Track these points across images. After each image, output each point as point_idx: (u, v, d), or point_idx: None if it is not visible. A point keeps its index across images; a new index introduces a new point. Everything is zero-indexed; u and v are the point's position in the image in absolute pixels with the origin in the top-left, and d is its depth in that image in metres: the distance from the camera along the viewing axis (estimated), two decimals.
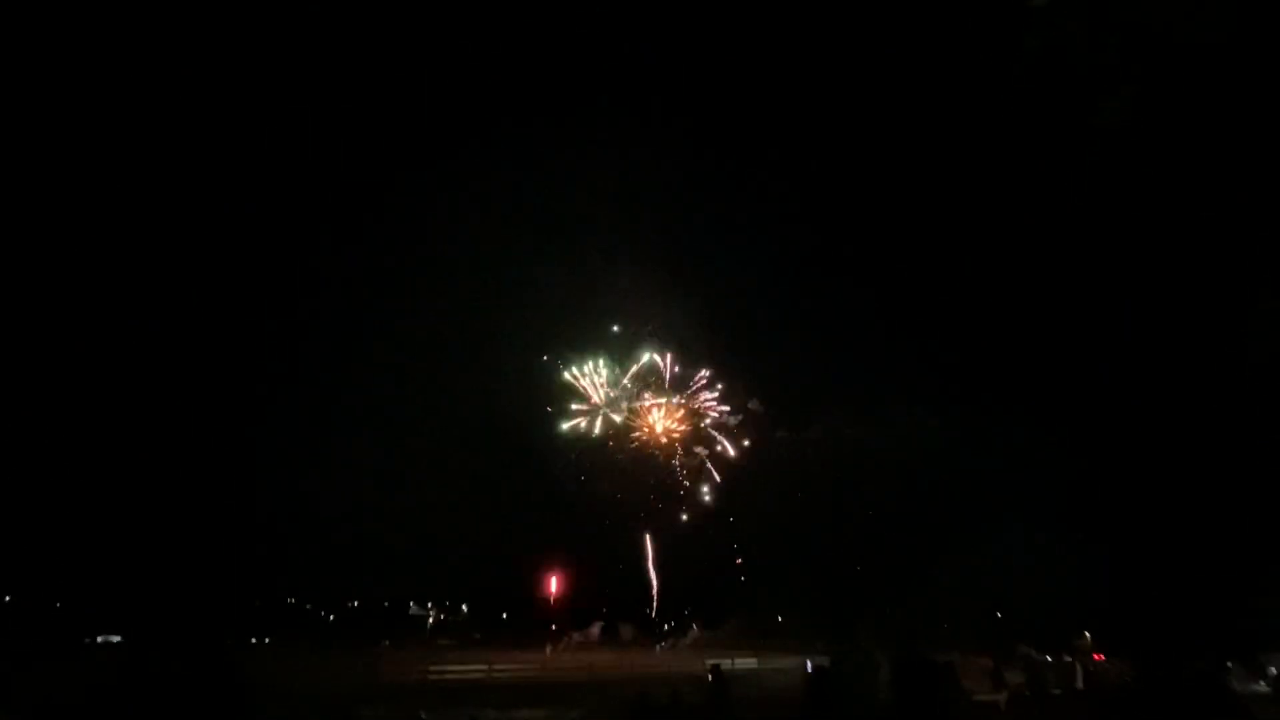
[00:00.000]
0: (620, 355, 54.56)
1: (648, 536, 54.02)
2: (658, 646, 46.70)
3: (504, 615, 61.36)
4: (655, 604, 54.73)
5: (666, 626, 52.85)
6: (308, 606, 58.08)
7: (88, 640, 37.25)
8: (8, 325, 42.14)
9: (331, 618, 58.01)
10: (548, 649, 42.84)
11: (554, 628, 51.39)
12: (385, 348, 52.51)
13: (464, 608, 65.61)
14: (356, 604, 59.56)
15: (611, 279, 52.30)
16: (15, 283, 41.94)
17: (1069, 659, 27.27)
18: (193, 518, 48.09)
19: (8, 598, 44.75)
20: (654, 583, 54.37)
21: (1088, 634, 39.92)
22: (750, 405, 53.73)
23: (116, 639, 39.73)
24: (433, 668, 21.73)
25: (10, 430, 41.90)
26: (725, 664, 14.56)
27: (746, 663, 28.52)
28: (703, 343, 53.37)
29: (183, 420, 49.74)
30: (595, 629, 49.88)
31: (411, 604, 64.41)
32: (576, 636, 48.00)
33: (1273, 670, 21.57)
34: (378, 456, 52.76)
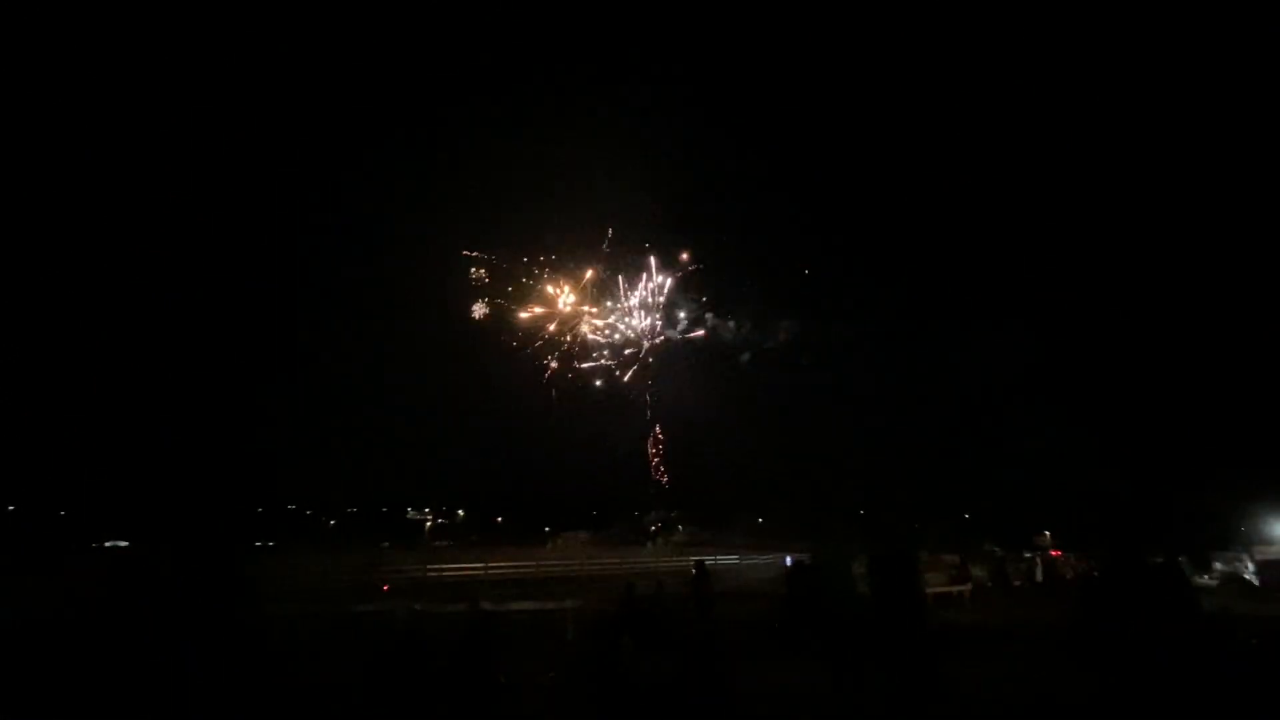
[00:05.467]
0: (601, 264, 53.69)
1: (644, 440, 55.49)
2: (646, 545, 49.04)
3: (499, 519, 63.92)
4: (644, 506, 56.95)
5: (654, 528, 55.33)
6: (308, 513, 60.05)
7: (94, 546, 38.44)
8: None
9: (332, 523, 60.19)
10: (546, 547, 44.84)
11: (547, 529, 53.77)
12: (378, 262, 51.77)
13: (460, 512, 68.14)
14: (355, 510, 61.60)
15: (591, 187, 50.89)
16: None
17: (1029, 555, 29.12)
18: (196, 429, 48.74)
19: (10, 507, 45.77)
20: (644, 485, 56.33)
21: (1047, 533, 42.47)
22: (712, 320, 53.80)
23: (124, 544, 41.09)
24: (430, 566, 22.63)
25: (14, 345, 41.53)
26: (708, 560, 15.34)
27: (728, 559, 30.12)
28: (691, 246, 52.65)
29: (185, 336, 49.51)
30: (583, 533, 52.12)
31: (409, 509, 66.71)
32: (568, 537, 50.25)
33: (1218, 566, 23.19)
34: (373, 369, 53.25)
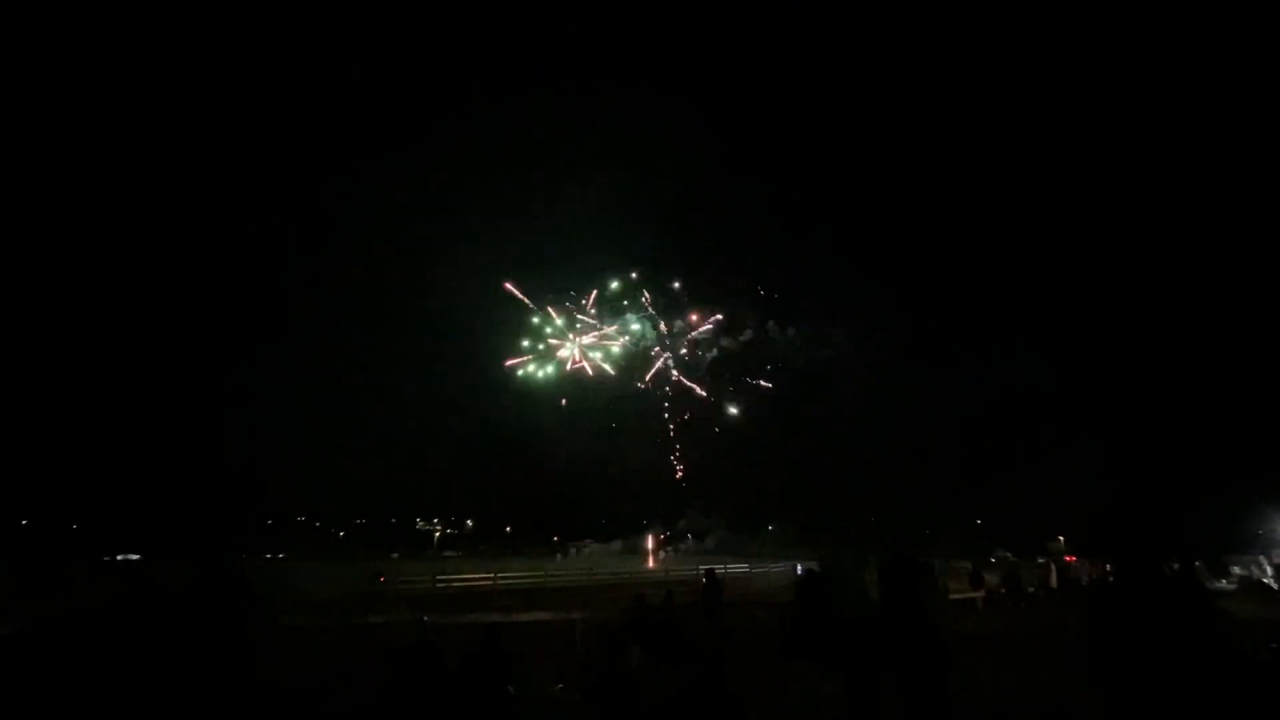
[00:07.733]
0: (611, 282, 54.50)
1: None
2: (660, 553, 48.74)
3: (508, 529, 63.73)
4: (653, 516, 56.62)
5: (663, 536, 55.00)
6: (317, 524, 60.17)
7: (106, 559, 38.62)
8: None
9: (341, 534, 60.26)
10: (555, 558, 44.69)
11: (556, 539, 53.61)
12: (396, 281, 52.83)
13: (469, 522, 68.03)
14: (364, 520, 61.65)
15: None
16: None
17: (1043, 560, 28.73)
18: (206, 442, 49.18)
19: (24, 521, 46.15)
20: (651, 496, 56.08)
21: (1061, 539, 41.93)
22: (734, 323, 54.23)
23: (135, 557, 41.26)
24: (439, 577, 22.57)
25: (26, 362, 42.19)
26: (719, 569, 15.20)
27: (738, 568, 29.93)
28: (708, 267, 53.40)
29: (198, 349, 50.21)
30: (590, 543, 51.88)
31: (418, 520, 66.70)
32: (574, 549, 50.06)
33: (1235, 570, 22.85)
34: (384, 382, 53.84)
